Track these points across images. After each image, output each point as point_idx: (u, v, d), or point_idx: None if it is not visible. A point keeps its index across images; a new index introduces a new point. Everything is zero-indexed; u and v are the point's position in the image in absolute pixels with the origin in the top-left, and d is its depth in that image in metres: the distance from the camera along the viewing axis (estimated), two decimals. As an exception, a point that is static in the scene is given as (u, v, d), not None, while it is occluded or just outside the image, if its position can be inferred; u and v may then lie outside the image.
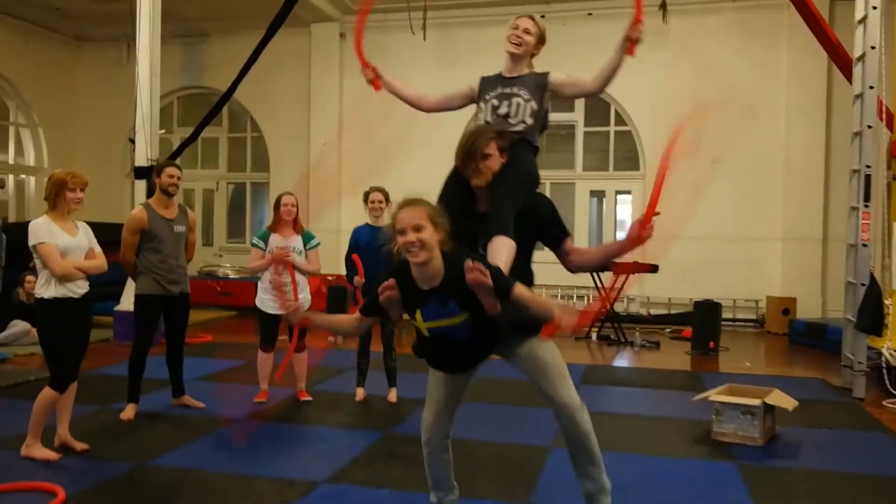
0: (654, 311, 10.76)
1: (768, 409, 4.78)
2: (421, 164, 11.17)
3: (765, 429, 4.72)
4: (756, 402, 4.71)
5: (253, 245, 5.54)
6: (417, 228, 2.64)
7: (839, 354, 7.77)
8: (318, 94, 11.86)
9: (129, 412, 5.11)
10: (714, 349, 8.23)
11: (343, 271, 9.95)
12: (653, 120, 10.22)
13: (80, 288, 4.17)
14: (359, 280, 5.47)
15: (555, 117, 11.13)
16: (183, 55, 12.41)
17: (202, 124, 9.22)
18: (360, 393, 5.75)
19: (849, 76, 6.47)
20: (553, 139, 11.64)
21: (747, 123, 10.36)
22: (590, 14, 10.79)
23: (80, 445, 4.37)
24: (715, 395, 4.90)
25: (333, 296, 9.32)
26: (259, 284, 5.58)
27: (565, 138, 11.49)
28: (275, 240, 5.44)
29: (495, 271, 2.65)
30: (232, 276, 11.71)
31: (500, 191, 2.98)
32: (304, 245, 5.52)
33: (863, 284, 6.07)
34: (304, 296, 5.52)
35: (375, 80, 3.56)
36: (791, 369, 7.61)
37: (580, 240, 11.28)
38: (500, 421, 5.23)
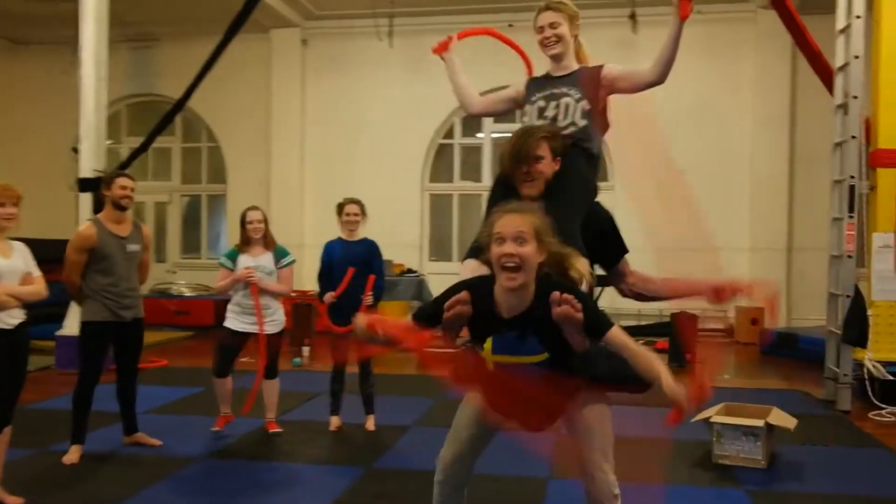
0: (624, 323, 10.63)
1: (769, 429, 4.61)
2: (385, 174, 10.94)
3: (767, 450, 4.55)
4: (759, 422, 4.53)
5: (220, 265, 5.12)
6: (520, 240, 2.19)
7: (812, 364, 7.74)
8: (279, 102, 11.46)
9: (73, 455, 4.51)
10: (691, 361, 8.09)
11: (308, 287, 9.73)
12: (620, 130, 10.12)
13: (13, 318, 3.63)
14: (329, 296, 5.13)
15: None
16: (131, 61, 11.84)
17: (154, 133, 8.73)
18: (334, 422, 5.35)
19: (829, 86, 6.41)
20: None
21: (715, 135, 10.38)
22: (511, 25, 10.56)
23: (13, 500, 3.78)
24: (715, 415, 4.71)
25: (298, 313, 8.92)
26: (230, 305, 5.14)
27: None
28: (244, 259, 5.03)
29: (590, 306, 2.23)
30: (187, 294, 11.19)
31: (560, 202, 2.60)
32: (276, 262, 5.11)
33: (848, 296, 5.99)
34: (278, 317, 5.15)
35: (446, 44, 3.20)
36: (768, 381, 7.52)
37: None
38: (491, 449, 4.93)
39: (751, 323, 9.63)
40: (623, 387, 2.52)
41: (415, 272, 10.15)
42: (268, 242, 5.12)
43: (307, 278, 8.37)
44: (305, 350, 8.57)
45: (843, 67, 6.27)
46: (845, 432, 5.44)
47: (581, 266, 2.46)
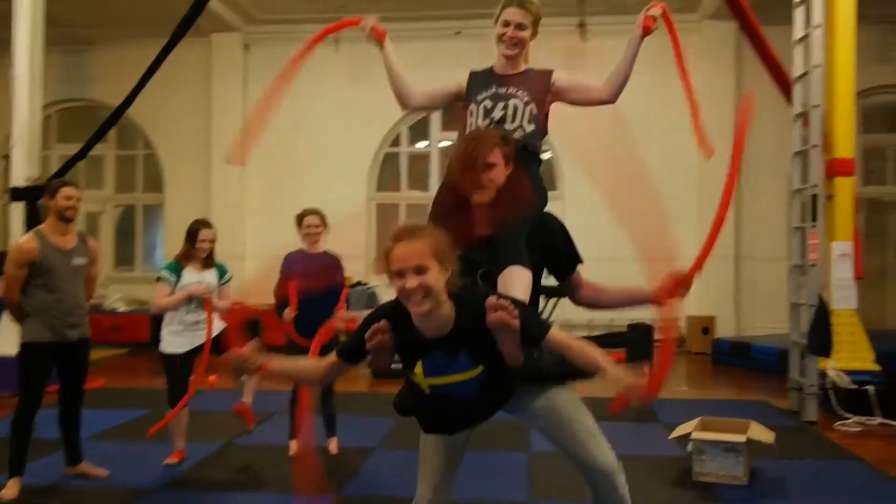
0: (575, 334, 10.56)
1: (749, 444, 4.51)
2: (330, 182, 10.60)
3: (748, 466, 4.45)
4: (740, 438, 4.43)
5: (160, 279, 4.69)
6: (420, 270, 2.08)
7: (766, 373, 7.80)
8: (220, 109, 10.97)
9: (11, 489, 4.11)
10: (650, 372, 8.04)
11: (252, 300, 9.30)
12: (569, 140, 10.07)
13: None
14: (289, 313, 4.83)
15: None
16: (63, 64, 11.16)
17: (93, 140, 8.23)
18: (294, 446, 5.01)
19: (787, 96, 6.44)
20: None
21: (661, 145, 10.43)
22: (457, 33, 10.53)
23: None
24: (695, 431, 4.58)
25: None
26: (164, 326, 4.71)
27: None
28: (189, 274, 4.67)
29: (526, 310, 2.15)
30: (122, 310, 10.56)
31: (511, 210, 2.50)
32: (219, 280, 4.80)
33: (811, 305, 5.99)
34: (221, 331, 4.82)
35: (377, 28, 2.98)
36: (724, 391, 7.52)
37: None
38: (467, 470, 4.69)
39: (702, 332, 9.67)
40: (570, 378, 2.52)
41: (365, 284, 9.85)
42: (210, 259, 4.80)
43: (251, 291, 7.98)
44: (252, 367, 8.14)
45: (801, 77, 6.30)
46: (816, 444, 5.41)
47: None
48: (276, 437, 5.22)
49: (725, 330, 9.87)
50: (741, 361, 8.64)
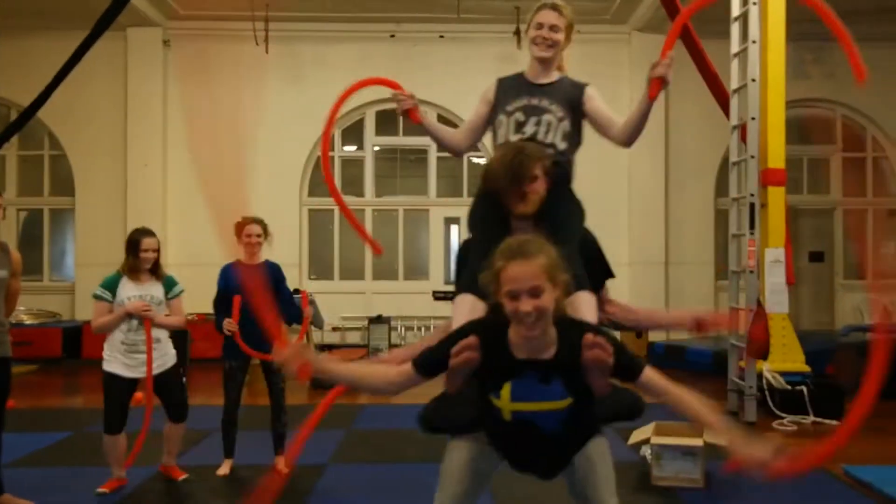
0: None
1: (704, 447, 4.58)
2: (259, 187, 10.24)
3: (704, 469, 4.51)
4: (698, 442, 4.49)
5: (96, 297, 4.31)
6: (535, 293, 1.98)
7: (700, 376, 7.99)
8: (137, 107, 10.45)
9: None
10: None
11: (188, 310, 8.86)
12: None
13: None
14: (230, 324, 4.57)
15: (407, 141, 10.94)
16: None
17: (2, 139, 7.62)
18: (226, 465, 4.78)
19: (725, 108, 6.64)
20: (405, 164, 11.19)
21: (594, 152, 10.60)
22: (441, 36, 10.51)
23: None
24: (653, 436, 4.61)
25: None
26: (106, 344, 4.34)
27: (416, 163, 11.08)
28: (127, 288, 4.30)
29: (621, 348, 2.06)
30: (28, 323, 9.84)
31: (559, 230, 2.42)
32: (166, 293, 4.44)
33: (751, 310, 6.17)
34: (169, 352, 4.50)
35: (414, 111, 2.77)
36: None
37: (435, 268, 10.90)
38: (426, 483, 4.57)
39: (636, 336, 9.85)
40: (619, 418, 2.49)
41: (303, 293, 9.55)
42: (156, 271, 4.45)
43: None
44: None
45: (738, 90, 6.51)
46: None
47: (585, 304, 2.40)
48: (215, 457, 4.90)
49: (658, 334, 10.11)
50: (676, 364, 8.85)
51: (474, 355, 2.06)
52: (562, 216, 2.53)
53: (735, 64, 6.56)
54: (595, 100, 2.74)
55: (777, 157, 6.58)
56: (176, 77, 10.51)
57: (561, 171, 2.63)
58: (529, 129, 2.66)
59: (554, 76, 2.77)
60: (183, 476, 4.61)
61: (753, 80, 6.21)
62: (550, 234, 2.33)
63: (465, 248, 2.74)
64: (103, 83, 10.49)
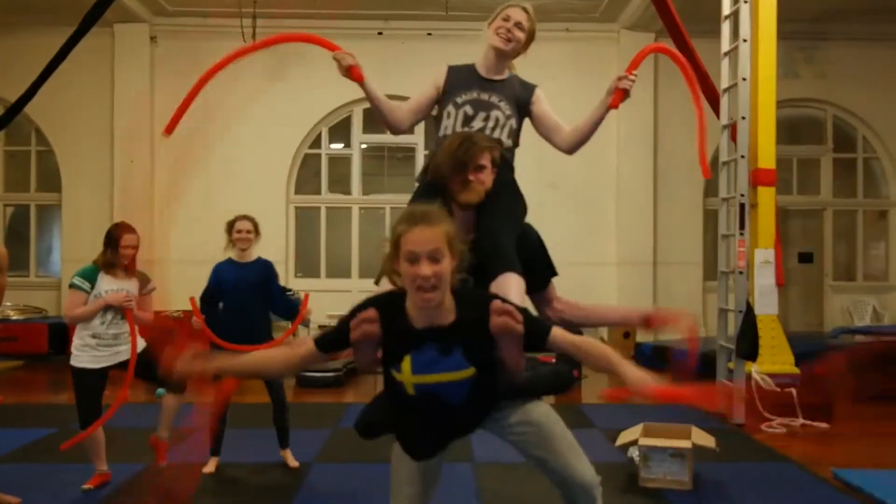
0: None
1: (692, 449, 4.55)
2: (246, 184, 10.17)
3: (692, 471, 4.48)
4: (686, 443, 4.46)
5: (73, 286, 4.23)
6: (435, 258, 1.98)
7: (687, 377, 7.98)
8: (124, 103, 10.34)
9: None
10: (579, 378, 8.11)
11: (166, 308, 8.79)
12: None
13: None
14: (196, 322, 4.54)
15: (394, 139, 10.89)
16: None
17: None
18: (212, 463, 4.74)
19: (716, 107, 6.60)
20: (392, 162, 11.13)
21: (582, 151, 10.57)
22: (429, 34, 10.45)
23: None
24: (641, 438, 4.58)
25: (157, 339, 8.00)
26: (76, 338, 4.27)
27: (403, 161, 11.02)
28: (106, 282, 4.25)
29: (527, 315, 2.07)
30: (15, 318, 9.76)
31: (498, 216, 2.46)
32: (140, 290, 4.39)
33: (740, 311, 6.15)
34: (140, 343, 4.43)
35: (356, 68, 2.65)
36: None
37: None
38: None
39: (623, 337, 9.84)
40: (546, 393, 2.51)
41: (290, 290, 9.48)
42: (132, 268, 4.38)
43: (164, 300, 7.51)
44: (166, 379, 7.68)
45: (728, 89, 6.48)
46: (749, 447, 5.53)
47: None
48: (200, 455, 4.85)
49: (646, 335, 10.08)
50: (663, 365, 8.83)
51: (373, 327, 2.05)
52: (503, 208, 2.52)
53: (725, 63, 6.54)
54: (543, 102, 2.78)
55: (767, 157, 6.56)
56: (163, 73, 10.41)
57: (506, 164, 2.63)
58: (477, 124, 2.67)
59: (505, 73, 2.78)
60: (164, 463, 4.53)
61: (744, 79, 6.18)
62: (491, 220, 2.41)
63: None
64: (90, 79, 10.38)
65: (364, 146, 10.94)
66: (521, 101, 2.75)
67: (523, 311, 2.08)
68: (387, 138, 10.88)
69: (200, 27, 10.29)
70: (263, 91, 10.31)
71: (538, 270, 2.65)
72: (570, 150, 2.77)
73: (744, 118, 6.19)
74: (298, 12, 10.05)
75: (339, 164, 10.96)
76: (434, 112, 2.83)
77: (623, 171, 10.61)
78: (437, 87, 2.77)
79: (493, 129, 2.68)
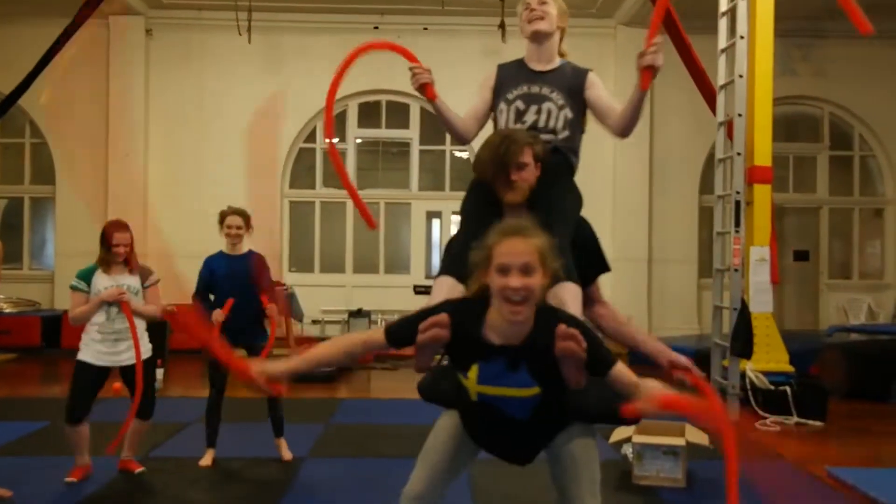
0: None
1: (686, 447, 4.54)
2: (241, 178, 10.12)
3: (685, 468, 4.48)
4: (679, 441, 4.45)
5: (73, 288, 4.26)
6: (527, 271, 1.97)
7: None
8: (119, 96, 10.27)
9: None
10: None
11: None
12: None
13: None
14: (218, 314, 4.53)
15: (389, 134, 10.86)
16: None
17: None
18: (208, 456, 4.73)
19: (712, 104, 6.59)
20: (387, 157, 11.09)
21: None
22: (425, 28, 10.41)
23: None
24: (635, 435, 4.57)
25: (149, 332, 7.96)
26: (84, 333, 4.29)
27: (398, 156, 10.98)
28: (102, 280, 4.24)
29: (593, 341, 2.04)
30: (7, 311, 9.71)
31: (549, 215, 2.37)
32: (142, 283, 4.37)
33: (735, 309, 6.14)
34: (144, 343, 4.40)
35: (430, 86, 2.60)
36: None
37: (416, 262, 10.82)
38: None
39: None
40: (608, 420, 2.40)
41: (284, 285, 9.46)
42: (132, 264, 4.37)
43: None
44: (159, 373, 7.64)
45: (725, 86, 6.46)
46: (742, 444, 5.51)
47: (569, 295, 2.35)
48: (193, 449, 4.86)
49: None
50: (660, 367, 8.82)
51: (443, 332, 2.04)
52: (554, 204, 2.46)
53: (722, 60, 6.52)
54: (597, 87, 2.69)
55: (763, 155, 6.55)
56: (158, 66, 10.36)
57: (559, 159, 2.57)
58: (530, 118, 2.61)
59: (555, 62, 2.71)
60: (140, 469, 4.50)
61: (741, 77, 6.17)
62: (542, 221, 2.29)
63: (454, 238, 2.69)
64: (85, 71, 10.27)
65: (359, 141, 10.90)
66: (575, 88, 2.66)
67: (589, 335, 2.05)
68: (382, 133, 10.85)
69: (195, 20, 10.25)
70: (260, 83, 10.27)
71: (589, 266, 2.60)
72: (622, 134, 2.66)
73: (740, 115, 6.18)
74: (294, 6, 10.02)
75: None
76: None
77: (619, 168, 10.59)
78: (490, 87, 2.72)
79: (547, 121, 2.62)
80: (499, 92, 2.69)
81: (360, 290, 10.48)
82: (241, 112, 10.22)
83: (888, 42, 10.46)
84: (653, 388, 2.03)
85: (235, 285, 4.68)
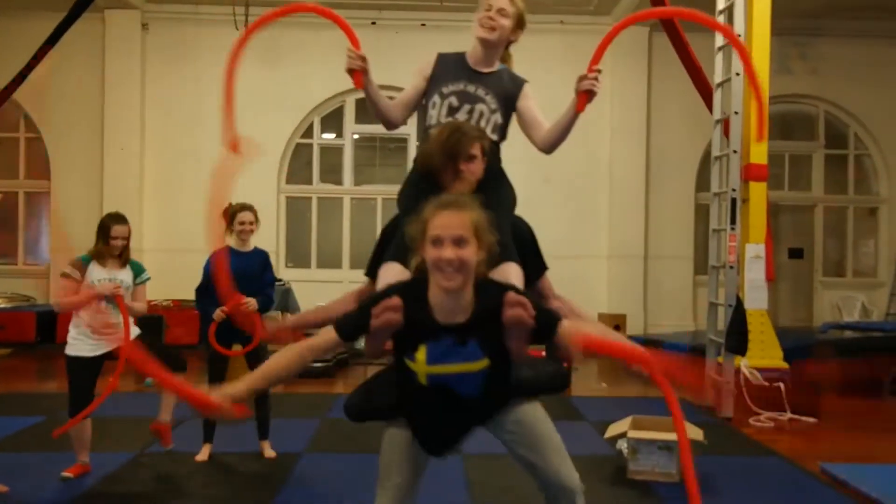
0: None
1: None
2: (237, 173, 10.08)
3: (680, 464, 4.50)
4: (674, 436, 4.46)
5: (65, 275, 4.26)
6: (459, 242, 2.00)
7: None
8: (115, 91, 10.24)
9: None
10: (569, 369, 8.12)
11: (154, 297, 8.73)
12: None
13: None
14: (220, 312, 4.53)
15: (388, 131, 10.80)
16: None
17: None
18: (205, 451, 4.75)
19: (708, 102, 6.61)
20: (384, 152, 11.09)
21: (575, 143, 10.56)
22: (423, 25, 10.40)
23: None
24: (630, 430, 4.59)
25: (144, 327, 7.95)
26: (72, 327, 4.28)
27: (395, 152, 10.99)
28: (96, 272, 4.24)
29: (538, 306, 2.07)
30: (2, 306, 9.68)
31: (492, 206, 2.37)
32: (134, 279, 4.37)
33: (730, 305, 6.17)
34: (135, 331, 4.41)
35: (358, 74, 2.57)
36: (641, 388, 7.66)
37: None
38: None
39: (614, 328, 9.84)
40: (544, 391, 2.47)
41: (280, 281, 9.46)
42: (124, 257, 4.38)
43: (153, 289, 7.48)
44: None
45: (721, 83, 6.48)
46: (736, 440, 5.56)
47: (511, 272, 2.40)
48: (189, 444, 4.83)
49: (635, 327, 10.11)
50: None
51: (396, 316, 2.05)
52: (497, 195, 2.52)
53: (719, 57, 6.54)
54: (529, 98, 2.73)
55: (759, 153, 6.57)
56: (154, 61, 10.34)
57: (495, 155, 2.62)
58: (461, 116, 2.64)
59: (496, 66, 2.73)
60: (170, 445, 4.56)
61: (737, 74, 6.18)
62: (483, 205, 2.33)
63: (389, 226, 2.71)
64: (81, 66, 10.26)
65: (356, 136, 10.89)
66: (509, 95, 2.70)
67: (535, 303, 2.08)
68: (379, 129, 10.73)
69: (191, 14, 10.23)
70: (257, 78, 10.23)
71: (530, 263, 2.61)
72: (545, 149, 2.70)
73: (737, 113, 6.19)
74: (291, 1, 9.97)
75: (331, 154, 10.91)
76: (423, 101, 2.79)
77: (615, 165, 10.61)
78: (425, 76, 2.72)
79: (478, 122, 2.66)
80: (435, 82, 2.69)
81: (356, 285, 10.42)
82: (238, 108, 10.16)
83: (883, 41, 10.50)
84: (580, 329, 2.04)
85: (243, 282, 4.66)
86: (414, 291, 2.09)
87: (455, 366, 2.10)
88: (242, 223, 4.69)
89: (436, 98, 2.68)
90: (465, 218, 2.03)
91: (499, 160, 2.70)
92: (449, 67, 2.72)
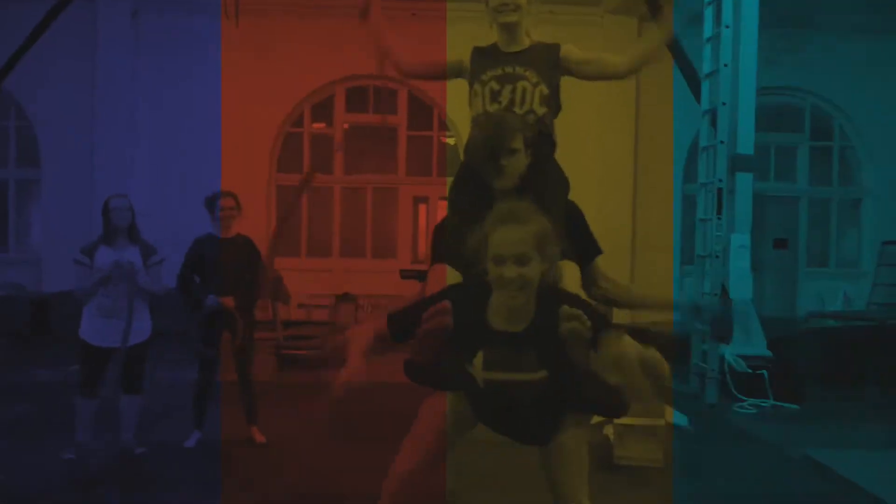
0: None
1: (665, 427, 4.67)
2: (228, 162, 10.07)
3: (664, 448, 4.60)
4: (660, 422, 4.57)
5: (76, 262, 4.30)
6: (521, 260, 1.96)
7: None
8: (106, 79, 10.24)
9: None
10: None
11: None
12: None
13: None
14: (214, 300, 4.59)
15: (379, 119, 10.86)
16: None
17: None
18: (193, 438, 4.80)
19: (697, 92, 6.69)
20: (374, 142, 11.13)
21: (564, 134, 10.62)
22: (414, 14, 10.41)
23: None
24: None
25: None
26: (85, 311, 4.34)
27: (386, 141, 11.01)
28: (105, 253, 4.27)
29: (597, 318, 2.02)
30: (-7, 293, 9.69)
31: (544, 202, 2.36)
32: (144, 260, 4.37)
33: (715, 294, 6.27)
34: (145, 324, 4.44)
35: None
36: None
37: (403, 247, 10.89)
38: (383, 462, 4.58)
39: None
40: (600, 411, 2.49)
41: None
42: (133, 235, 4.41)
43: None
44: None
45: (710, 75, 6.56)
46: (720, 426, 5.68)
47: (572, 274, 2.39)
48: (183, 432, 4.86)
49: (622, 316, 10.19)
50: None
51: (446, 320, 2.03)
52: (546, 186, 2.49)
53: (708, 49, 6.61)
54: (574, 52, 2.72)
55: (747, 144, 6.66)
56: (145, 49, 10.31)
57: (544, 142, 2.59)
58: (505, 98, 2.61)
59: (525, 43, 2.72)
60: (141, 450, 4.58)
61: (725, 66, 6.26)
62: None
63: (443, 225, 2.72)
64: (71, 53, 10.22)
65: (347, 126, 10.91)
66: (549, 64, 2.68)
67: (592, 313, 2.03)
68: (370, 118, 10.86)
69: (182, 2, 10.19)
70: (248, 67, 10.24)
71: (582, 247, 2.65)
72: (630, 69, 2.76)
73: (725, 104, 6.27)
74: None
75: (322, 144, 10.93)
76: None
77: (603, 156, 10.67)
78: (462, 62, 2.74)
79: (523, 99, 2.63)
80: (474, 74, 2.71)
81: (346, 274, 10.54)
82: (229, 97, 10.19)
83: (870, 35, 10.60)
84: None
85: (223, 268, 4.70)
86: (471, 296, 2.07)
87: (512, 374, 2.07)
88: (223, 209, 4.72)
89: (476, 87, 2.68)
90: (527, 232, 1.98)
91: (551, 144, 2.67)
92: (484, 57, 2.72)
